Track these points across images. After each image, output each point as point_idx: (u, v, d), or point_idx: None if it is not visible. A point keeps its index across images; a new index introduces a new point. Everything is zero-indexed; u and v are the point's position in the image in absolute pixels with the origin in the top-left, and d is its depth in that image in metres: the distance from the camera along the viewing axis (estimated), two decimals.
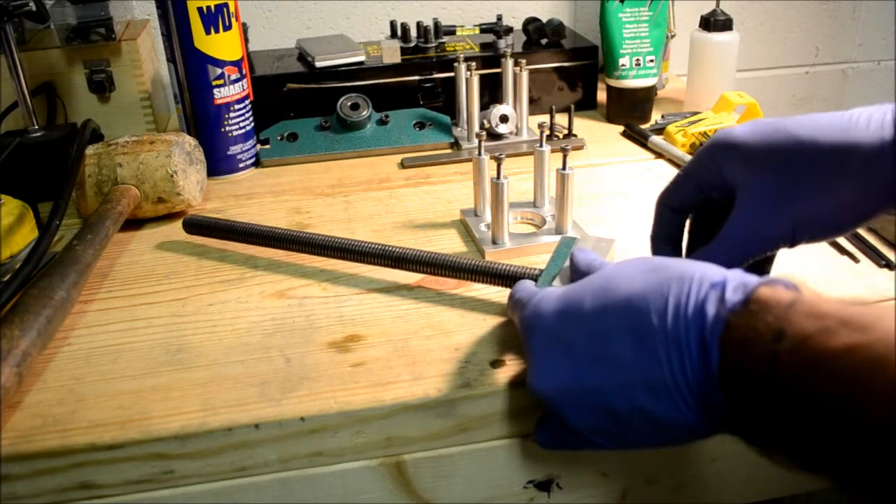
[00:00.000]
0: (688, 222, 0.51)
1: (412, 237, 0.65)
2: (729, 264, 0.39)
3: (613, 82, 0.89)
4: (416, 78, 0.89)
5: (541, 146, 0.64)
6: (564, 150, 0.61)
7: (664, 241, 0.51)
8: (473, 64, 0.81)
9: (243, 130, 0.81)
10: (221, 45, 0.77)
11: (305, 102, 0.87)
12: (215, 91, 0.78)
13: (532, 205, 0.67)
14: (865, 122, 0.42)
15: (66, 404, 0.46)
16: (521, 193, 0.71)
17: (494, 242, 0.62)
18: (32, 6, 0.74)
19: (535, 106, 0.91)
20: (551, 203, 0.66)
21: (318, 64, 0.87)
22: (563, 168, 0.60)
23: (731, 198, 0.47)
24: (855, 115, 0.43)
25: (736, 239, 0.46)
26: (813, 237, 0.45)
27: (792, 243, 0.45)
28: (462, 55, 0.85)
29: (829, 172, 0.42)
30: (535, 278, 0.52)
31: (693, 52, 0.91)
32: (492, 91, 0.89)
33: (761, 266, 0.49)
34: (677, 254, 0.51)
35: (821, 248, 0.60)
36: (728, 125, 0.80)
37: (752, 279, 0.36)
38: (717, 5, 0.90)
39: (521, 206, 0.67)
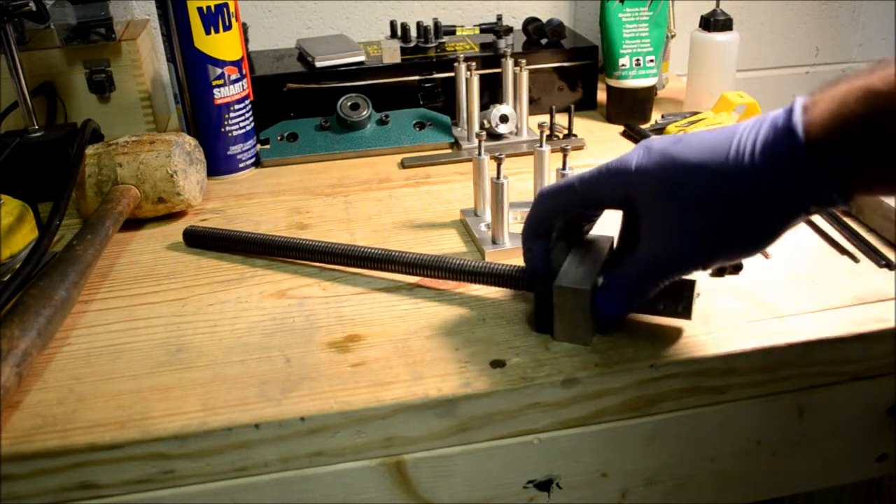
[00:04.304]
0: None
1: (412, 237, 0.65)
2: (639, 288, 0.46)
3: (613, 82, 0.89)
4: (416, 78, 0.89)
5: (541, 146, 0.64)
6: (564, 150, 0.61)
7: (538, 237, 0.51)
8: (473, 64, 0.81)
9: (243, 130, 0.81)
10: (221, 45, 0.77)
11: (305, 102, 0.87)
12: (215, 91, 0.78)
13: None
14: (745, 145, 0.42)
15: (66, 404, 0.46)
16: (521, 193, 0.71)
17: (494, 242, 0.62)
18: (32, 6, 0.74)
19: (535, 106, 0.91)
20: None
21: (318, 64, 0.87)
22: (563, 168, 0.60)
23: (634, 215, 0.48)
24: (737, 137, 0.43)
25: (645, 266, 0.46)
26: (727, 258, 0.45)
27: (704, 268, 0.46)
28: (462, 55, 0.85)
29: (721, 198, 0.42)
30: (535, 279, 0.52)
31: (693, 52, 0.91)
32: (492, 91, 0.89)
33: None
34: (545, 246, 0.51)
35: (821, 248, 0.60)
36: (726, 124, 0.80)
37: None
38: (717, 5, 0.90)
39: (521, 206, 0.67)
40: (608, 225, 0.65)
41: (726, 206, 0.42)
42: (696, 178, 0.43)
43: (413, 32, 0.95)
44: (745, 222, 0.42)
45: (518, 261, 0.57)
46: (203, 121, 0.79)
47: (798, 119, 0.40)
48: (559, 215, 0.50)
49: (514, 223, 0.66)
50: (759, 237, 0.43)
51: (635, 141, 0.84)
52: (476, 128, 0.81)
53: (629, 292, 0.48)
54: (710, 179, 0.42)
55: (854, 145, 0.38)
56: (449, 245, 0.64)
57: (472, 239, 0.64)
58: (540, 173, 0.66)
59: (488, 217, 0.64)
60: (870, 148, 0.38)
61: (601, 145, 0.83)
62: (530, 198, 0.67)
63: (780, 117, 0.41)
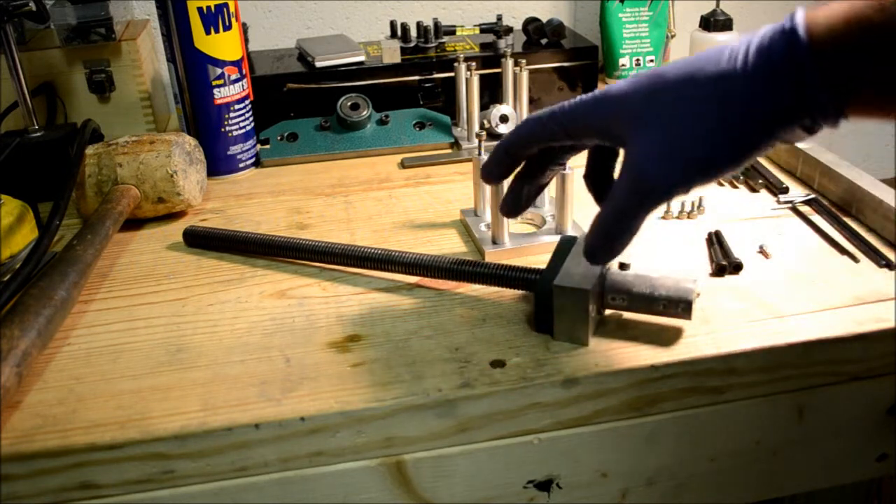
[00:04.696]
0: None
1: (412, 237, 0.65)
2: (620, 217, 0.43)
3: (613, 82, 0.89)
4: (416, 78, 0.89)
5: None
6: None
7: (511, 157, 0.50)
8: (473, 64, 0.81)
9: (243, 130, 0.81)
10: (221, 45, 0.77)
11: (305, 102, 0.87)
12: (215, 91, 0.78)
13: (532, 205, 0.67)
14: (737, 51, 0.41)
15: (66, 404, 0.46)
16: None
17: (494, 242, 0.62)
18: (32, 6, 0.74)
19: (535, 106, 0.91)
20: (551, 203, 0.66)
21: (318, 64, 0.87)
22: (563, 168, 0.60)
23: (614, 148, 0.47)
24: (729, 47, 0.42)
25: (619, 204, 0.44)
26: (707, 178, 0.43)
27: (687, 189, 0.43)
28: (462, 55, 0.85)
29: (714, 107, 0.41)
30: (535, 279, 0.52)
31: (693, 52, 0.91)
32: (492, 91, 0.89)
33: None
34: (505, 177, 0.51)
35: (821, 248, 0.60)
36: None
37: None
38: (717, 5, 0.90)
39: None
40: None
41: (718, 115, 0.40)
42: (685, 89, 0.41)
43: (413, 32, 0.95)
44: (736, 132, 0.40)
45: (518, 261, 0.57)
46: (203, 121, 0.79)
47: (800, 19, 0.39)
48: (537, 142, 0.48)
49: (515, 223, 0.66)
50: (746, 149, 0.41)
51: None
52: (476, 128, 0.81)
53: (614, 223, 0.45)
54: (701, 89, 0.41)
55: (861, 51, 0.37)
56: (449, 245, 0.64)
57: (472, 239, 0.64)
58: None
59: (488, 217, 0.64)
60: (876, 57, 0.37)
61: None
62: None
63: (779, 24, 0.40)
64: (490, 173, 0.52)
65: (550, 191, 0.66)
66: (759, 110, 0.40)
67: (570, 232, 0.63)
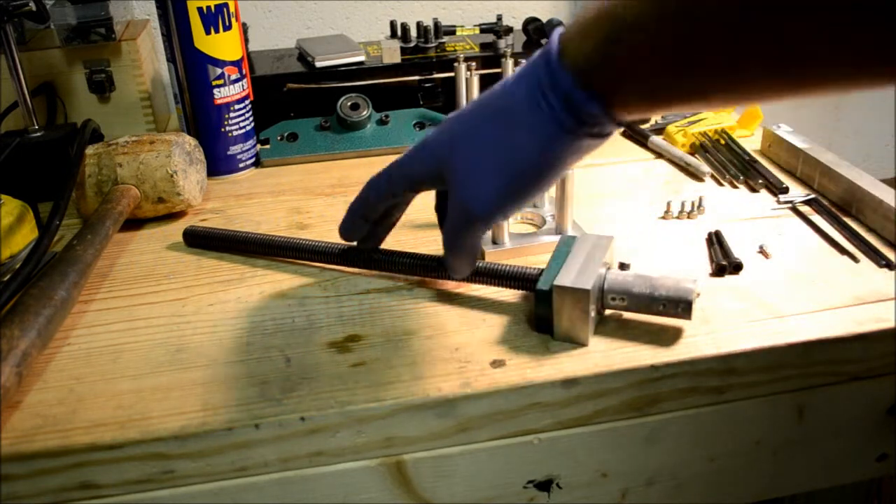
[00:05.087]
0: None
1: (412, 237, 0.65)
2: (452, 244, 0.48)
3: None
4: (416, 78, 0.89)
5: None
6: None
7: (363, 219, 0.54)
8: (473, 64, 0.81)
9: (243, 130, 0.81)
10: (221, 45, 0.77)
11: (305, 102, 0.87)
12: (215, 91, 0.78)
13: (532, 205, 0.67)
14: (510, 81, 0.44)
15: (66, 404, 0.46)
16: None
17: (494, 242, 0.62)
18: (32, 6, 0.74)
19: None
20: (551, 203, 0.66)
21: (318, 64, 0.87)
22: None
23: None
24: (507, 79, 0.45)
25: (451, 228, 0.48)
26: (519, 202, 0.45)
27: (505, 213, 0.47)
28: (462, 55, 0.85)
29: (497, 141, 0.44)
30: (535, 278, 0.52)
31: None
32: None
33: None
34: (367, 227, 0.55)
35: (821, 248, 0.60)
36: (727, 125, 0.80)
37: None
38: None
39: None
40: (609, 227, 0.65)
41: (500, 139, 0.43)
42: (474, 120, 0.45)
43: (413, 32, 0.95)
44: (515, 152, 0.43)
45: (518, 261, 0.57)
46: (203, 121, 0.79)
47: (554, 43, 0.41)
48: (385, 202, 0.52)
49: (515, 223, 0.66)
50: (529, 167, 0.43)
51: (636, 141, 0.84)
52: None
53: (451, 245, 0.49)
54: (483, 117, 0.45)
55: (611, 56, 0.39)
56: None
57: None
58: None
59: None
60: (617, 54, 0.38)
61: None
62: None
63: (545, 47, 0.42)
64: (350, 236, 0.56)
65: (550, 190, 0.66)
66: (535, 128, 0.42)
67: (570, 232, 0.63)
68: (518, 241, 0.62)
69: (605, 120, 0.41)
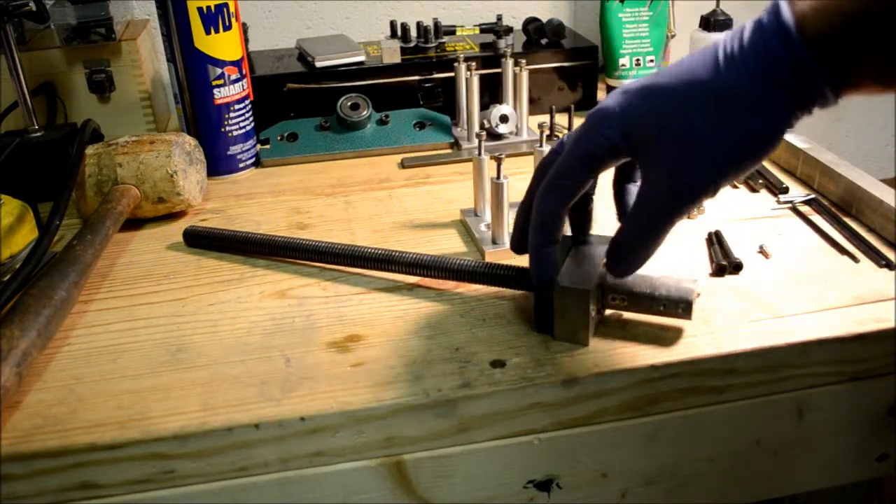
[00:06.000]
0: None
1: (412, 237, 0.65)
2: (646, 231, 0.45)
3: (613, 82, 0.89)
4: (416, 78, 0.89)
5: (541, 146, 0.64)
6: None
7: (548, 243, 0.49)
8: (473, 64, 0.81)
9: (243, 130, 0.81)
10: (221, 45, 0.77)
11: (305, 102, 0.87)
12: (215, 91, 0.78)
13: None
14: (729, 52, 0.42)
15: (66, 404, 0.46)
16: (521, 193, 0.70)
17: (494, 242, 0.62)
18: (32, 6, 0.74)
19: (535, 106, 0.91)
20: None
21: (318, 64, 0.87)
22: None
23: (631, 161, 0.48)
24: (718, 50, 0.42)
25: (653, 212, 0.45)
26: (730, 178, 0.44)
27: (715, 192, 0.44)
28: (462, 55, 0.85)
29: (719, 112, 0.42)
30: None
31: (693, 52, 0.91)
32: (492, 91, 0.89)
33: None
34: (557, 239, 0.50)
35: (821, 248, 0.60)
36: None
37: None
38: (717, 5, 0.90)
39: None
40: (608, 227, 0.65)
41: (724, 120, 0.41)
42: (686, 100, 0.42)
43: (413, 32, 0.95)
44: (745, 132, 0.41)
45: (518, 261, 0.57)
46: (203, 121, 0.79)
47: (787, 12, 0.40)
48: (564, 209, 0.48)
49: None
50: (759, 146, 0.42)
51: None
52: (476, 128, 0.81)
53: (643, 231, 0.45)
54: (703, 96, 0.42)
55: (850, 32, 0.38)
56: (449, 245, 0.64)
57: (472, 239, 0.64)
58: None
59: (488, 217, 0.64)
60: (862, 36, 0.38)
61: None
62: None
63: (764, 18, 0.41)
64: (541, 260, 0.50)
65: None
66: (769, 107, 0.41)
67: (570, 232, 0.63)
68: None
69: (833, 97, 0.40)
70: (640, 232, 0.46)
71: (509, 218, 0.62)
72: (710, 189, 0.43)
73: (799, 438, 0.52)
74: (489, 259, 0.60)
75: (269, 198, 0.75)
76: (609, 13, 0.87)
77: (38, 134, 0.77)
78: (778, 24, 0.40)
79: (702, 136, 0.42)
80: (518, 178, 0.73)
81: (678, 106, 0.43)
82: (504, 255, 0.61)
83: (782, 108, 0.41)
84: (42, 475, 0.43)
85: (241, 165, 0.81)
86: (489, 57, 0.90)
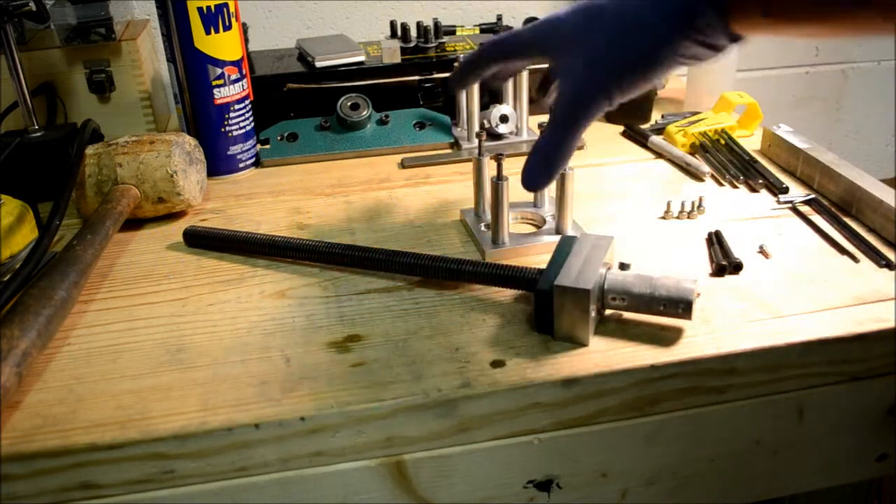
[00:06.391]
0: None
1: (412, 237, 0.65)
2: (561, 129, 0.50)
3: None
4: (416, 78, 0.89)
5: None
6: None
7: (474, 74, 0.59)
8: None
9: (243, 130, 0.81)
10: (221, 45, 0.77)
11: (305, 102, 0.87)
12: (215, 91, 0.78)
13: (532, 205, 0.67)
14: None
15: (66, 404, 0.46)
16: (521, 193, 0.70)
17: (494, 242, 0.62)
18: (32, 6, 0.74)
19: (535, 106, 0.91)
20: (551, 203, 0.66)
21: (318, 64, 0.87)
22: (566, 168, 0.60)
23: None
24: None
25: (562, 109, 0.50)
26: (628, 87, 0.48)
27: (610, 102, 0.49)
28: (462, 55, 0.85)
29: (614, 32, 0.48)
30: (535, 279, 0.52)
31: None
32: (492, 91, 0.89)
33: None
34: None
35: (821, 248, 0.60)
36: (727, 125, 0.80)
37: None
38: None
39: (521, 206, 0.67)
40: (609, 227, 0.65)
41: (619, 38, 0.48)
42: (592, 18, 0.49)
43: (413, 32, 0.95)
44: (636, 50, 0.47)
45: (518, 261, 0.57)
46: (203, 121, 0.79)
47: None
48: (495, 61, 0.57)
49: (515, 223, 0.66)
50: (647, 64, 0.47)
51: (636, 141, 0.84)
52: (476, 128, 0.81)
53: (551, 147, 0.51)
54: (607, 17, 0.48)
55: None
56: (449, 245, 0.64)
57: (472, 239, 0.64)
58: None
59: (488, 217, 0.64)
60: None
61: (601, 145, 0.83)
62: (531, 197, 0.67)
63: None
64: (457, 87, 0.69)
65: (551, 191, 0.66)
66: (654, 27, 0.46)
67: (570, 232, 0.63)
68: (518, 241, 0.62)
69: (722, 28, 0.44)
70: (550, 140, 0.51)
71: (509, 218, 0.62)
72: (606, 98, 0.49)
73: (799, 438, 0.52)
74: (489, 259, 0.60)
75: (269, 198, 0.75)
76: None
77: (38, 134, 0.77)
78: None
79: (602, 52, 0.48)
80: (518, 178, 0.73)
81: (585, 23, 0.50)
82: (504, 255, 0.61)
83: (665, 30, 0.46)
84: (42, 475, 0.43)
85: (241, 165, 0.81)
86: None
